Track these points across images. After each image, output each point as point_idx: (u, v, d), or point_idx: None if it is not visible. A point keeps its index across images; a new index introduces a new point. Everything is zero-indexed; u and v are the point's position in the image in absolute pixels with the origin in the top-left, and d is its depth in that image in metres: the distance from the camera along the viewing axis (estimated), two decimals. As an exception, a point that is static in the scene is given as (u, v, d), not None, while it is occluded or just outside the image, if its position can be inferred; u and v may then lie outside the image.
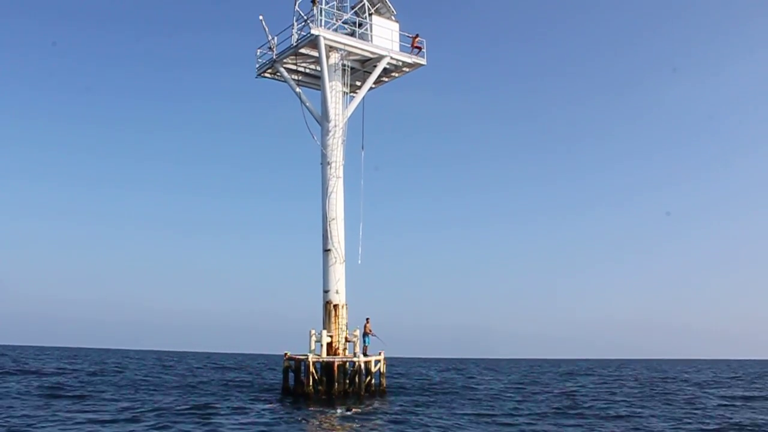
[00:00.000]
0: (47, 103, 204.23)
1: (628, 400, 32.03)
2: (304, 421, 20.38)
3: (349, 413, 22.37)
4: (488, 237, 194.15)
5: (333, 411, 22.99)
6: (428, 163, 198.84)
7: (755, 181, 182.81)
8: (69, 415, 20.74)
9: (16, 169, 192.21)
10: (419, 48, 34.24)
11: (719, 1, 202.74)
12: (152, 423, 19.38)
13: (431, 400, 29.45)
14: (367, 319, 32.16)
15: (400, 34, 34.10)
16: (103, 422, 19.32)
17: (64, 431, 17.62)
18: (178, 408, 23.34)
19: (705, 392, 38.50)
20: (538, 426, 20.76)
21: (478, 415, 23.60)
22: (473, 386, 40.66)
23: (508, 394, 34.53)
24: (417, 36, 34.31)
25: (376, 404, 25.97)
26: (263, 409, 23.47)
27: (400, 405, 26.10)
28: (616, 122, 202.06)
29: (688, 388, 42.78)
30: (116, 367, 57.82)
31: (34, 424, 18.79)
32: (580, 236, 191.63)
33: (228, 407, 23.59)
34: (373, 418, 21.36)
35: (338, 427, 19.39)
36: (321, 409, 23.89)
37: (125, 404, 24.47)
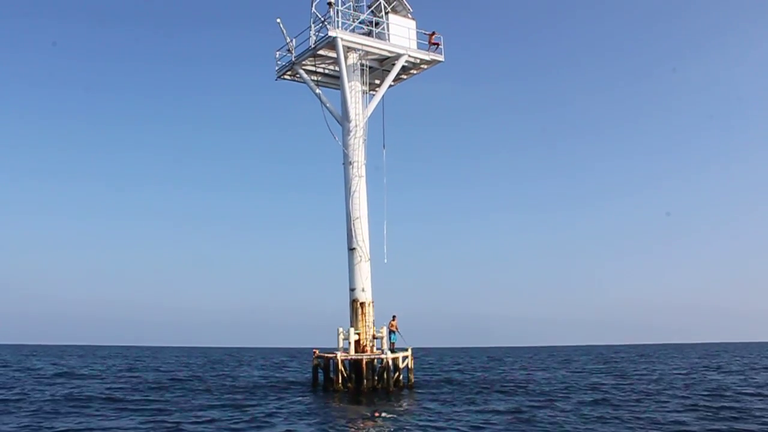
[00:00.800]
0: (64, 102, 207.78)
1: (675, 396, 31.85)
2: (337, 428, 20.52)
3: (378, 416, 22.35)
4: (520, 226, 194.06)
5: (362, 413, 23.05)
6: (452, 154, 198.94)
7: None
8: (97, 423, 21.28)
9: (54, 170, 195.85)
10: (437, 44, 34.33)
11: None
12: None
13: (459, 397, 29.50)
14: (394, 316, 32.54)
15: (417, 32, 34.26)
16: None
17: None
18: (209, 414, 23.80)
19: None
20: (574, 426, 20.73)
21: (511, 412, 23.28)
22: (505, 380, 40.67)
23: (546, 389, 33.82)
24: (434, 33, 34.41)
25: (405, 404, 26.01)
26: (295, 413, 23.64)
27: (425, 404, 26.04)
28: (638, 111, 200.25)
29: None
30: (150, 365, 58.83)
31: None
32: (613, 223, 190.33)
33: (260, 412, 23.83)
34: (401, 420, 21.34)
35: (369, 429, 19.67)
36: (350, 411, 24.13)
37: (158, 406, 25.02)
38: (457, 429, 19.17)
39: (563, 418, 21.31)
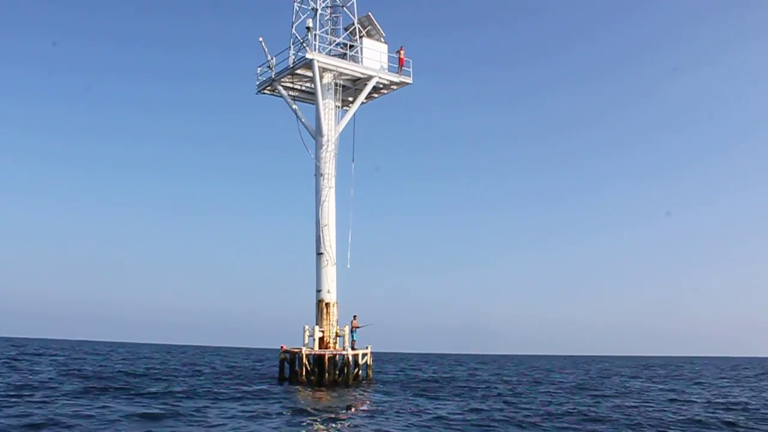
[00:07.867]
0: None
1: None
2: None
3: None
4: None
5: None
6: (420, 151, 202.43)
7: None
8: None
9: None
10: (401, 65, 37.05)
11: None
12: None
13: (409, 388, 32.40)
14: (354, 316, 35.31)
15: (388, 56, 37.22)
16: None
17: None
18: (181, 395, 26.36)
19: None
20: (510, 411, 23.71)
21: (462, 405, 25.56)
22: (464, 378, 43.68)
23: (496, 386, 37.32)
24: (402, 48, 37.20)
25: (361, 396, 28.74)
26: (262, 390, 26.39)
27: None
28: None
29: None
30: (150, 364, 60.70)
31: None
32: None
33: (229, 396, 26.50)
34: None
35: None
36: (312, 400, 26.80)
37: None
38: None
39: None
